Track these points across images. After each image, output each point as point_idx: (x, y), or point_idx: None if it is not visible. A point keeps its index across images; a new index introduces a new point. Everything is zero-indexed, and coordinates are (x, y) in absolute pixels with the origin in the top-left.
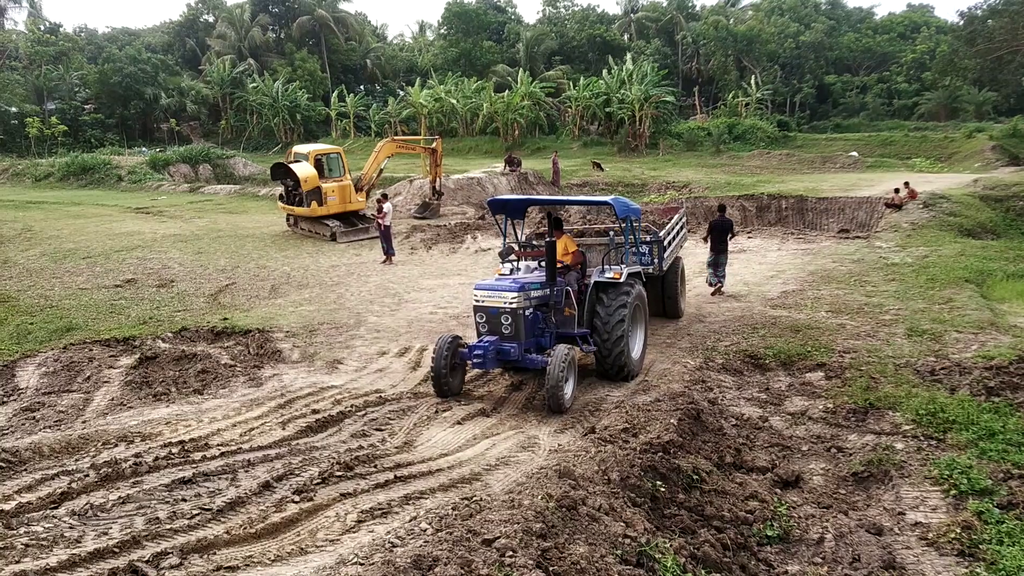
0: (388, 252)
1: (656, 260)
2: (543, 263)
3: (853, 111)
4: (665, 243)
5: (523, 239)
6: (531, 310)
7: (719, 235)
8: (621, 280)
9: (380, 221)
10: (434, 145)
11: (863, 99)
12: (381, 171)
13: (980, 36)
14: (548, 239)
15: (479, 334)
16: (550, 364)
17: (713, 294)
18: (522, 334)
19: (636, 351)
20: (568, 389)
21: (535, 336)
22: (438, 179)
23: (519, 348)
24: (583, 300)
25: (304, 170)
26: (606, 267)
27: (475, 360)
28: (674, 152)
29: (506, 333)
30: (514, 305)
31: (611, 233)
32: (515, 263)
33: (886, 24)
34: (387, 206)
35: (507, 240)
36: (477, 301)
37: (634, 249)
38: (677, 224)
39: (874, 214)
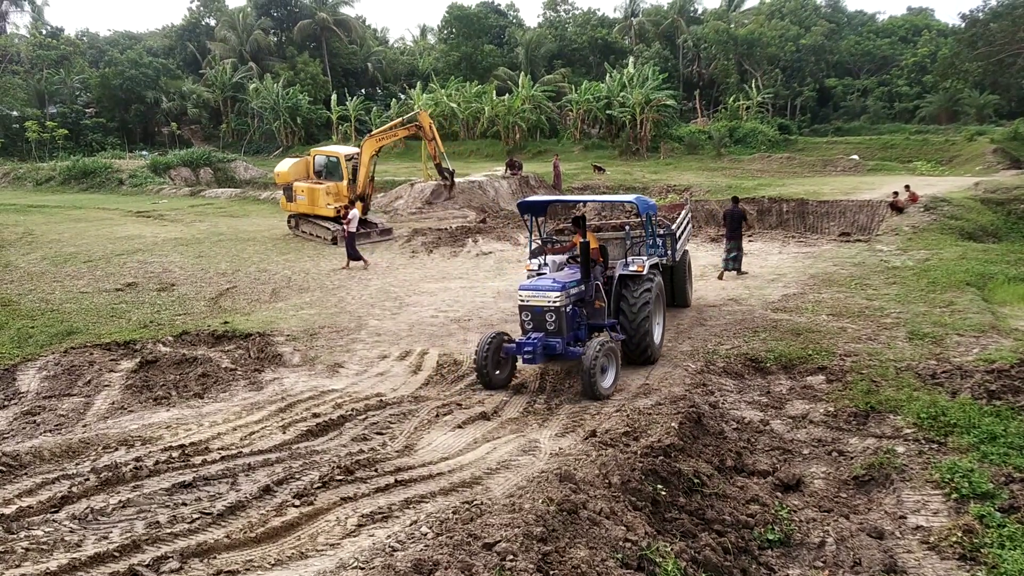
0: (351, 257)
1: (669, 252)
2: (570, 258)
3: (854, 114)
4: (677, 235)
5: (544, 236)
6: (570, 306)
7: (732, 223)
8: (644, 272)
9: (345, 227)
10: (418, 120)
11: (864, 102)
12: (373, 177)
13: (981, 39)
14: (582, 240)
15: (524, 331)
16: (585, 353)
17: (719, 277)
18: (564, 329)
19: (657, 336)
20: (606, 378)
21: (573, 330)
22: (441, 156)
23: (563, 342)
24: (608, 291)
25: (281, 166)
26: (629, 260)
27: (526, 356)
28: (675, 155)
29: (551, 329)
30: (558, 303)
31: (627, 228)
32: (542, 259)
33: (887, 27)
34: (352, 213)
35: (532, 238)
36: (522, 301)
37: (651, 242)
38: (685, 219)
39: (875, 217)
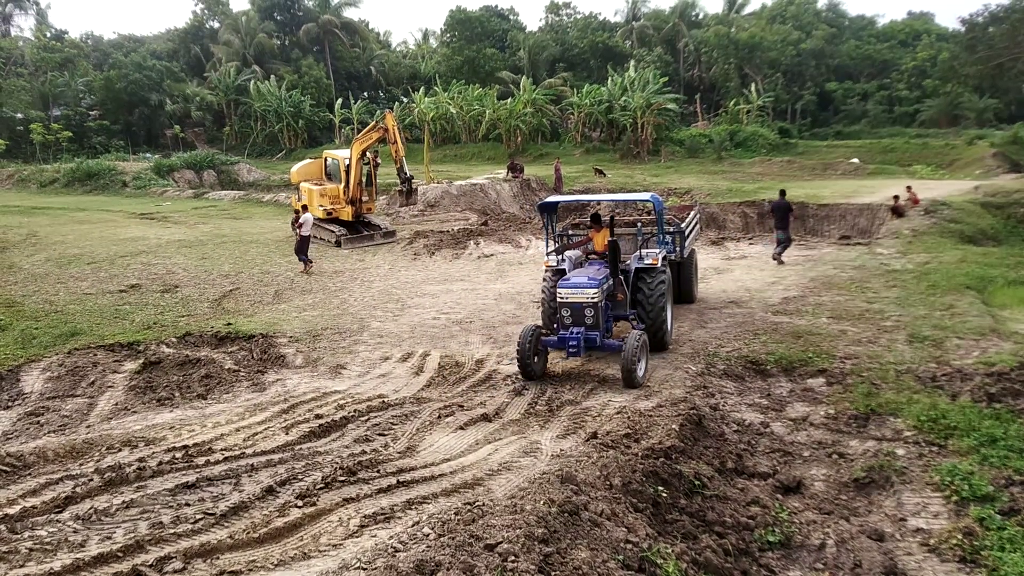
0: (302, 261)
1: (677, 248)
2: (589, 254)
3: (854, 118)
4: (685, 233)
5: (560, 231)
6: (604, 301)
7: (780, 213)
8: (659, 265)
9: (297, 231)
10: (385, 123)
11: (864, 106)
12: (373, 180)
13: (981, 43)
14: (611, 239)
15: (564, 326)
16: (625, 346)
17: (774, 258)
18: (601, 323)
19: (669, 324)
20: (641, 368)
21: (606, 322)
22: (401, 160)
23: (601, 335)
24: (622, 284)
25: (296, 166)
26: (643, 254)
27: (571, 349)
28: (676, 159)
29: (589, 323)
30: (596, 299)
31: (639, 224)
32: (559, 255)
33: (887, 32)
34: (304, 217)
35: (549, 235)
36: (562, 298)
37: (661, 237)
38: (694, 219)
39: (875, 221)
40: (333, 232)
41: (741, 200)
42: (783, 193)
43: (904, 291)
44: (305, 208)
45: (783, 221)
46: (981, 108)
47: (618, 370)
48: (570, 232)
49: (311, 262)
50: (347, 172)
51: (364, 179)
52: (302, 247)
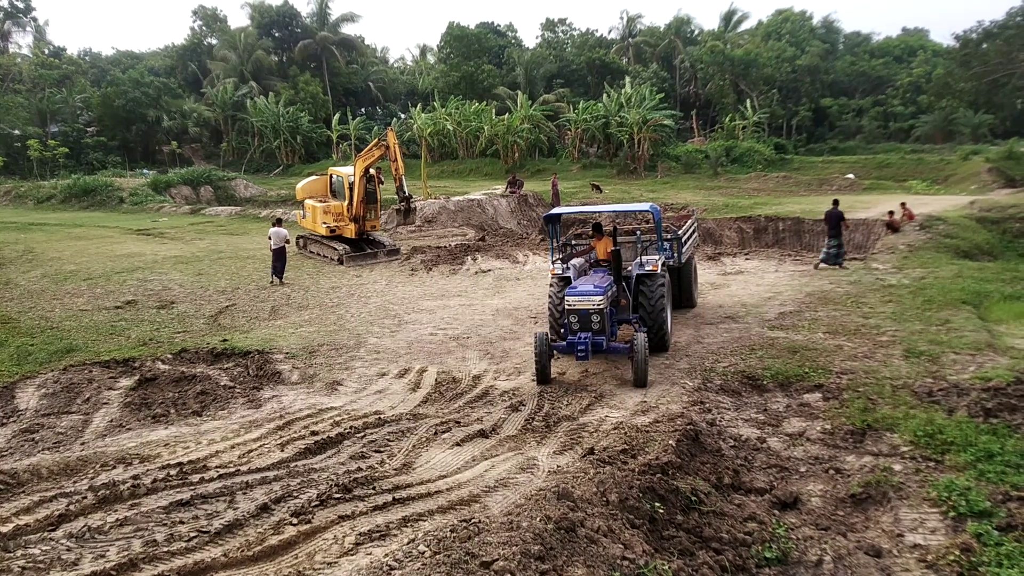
0: (276, 276)
1: (675, 254)
2: (594, 262)
3: (849, 134)
4: (683, 239)
5: (563, 240)
6: (609, 307)
7: (833, 222)
8: (659, 271)
9: (271, 247)
10: (386, 140)
11: (859, 122)
12: (376, 197)
13: (975, 59)
14: (614, 248)
15: (572, 332)
16: (636, 348)
17: (817, 266)
18: (607, 328)
19: (669, 326)
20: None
21: (611, 327)
22: (402, 179)
23: (607, 339)
24: (624, 290)
25: (302, 183)
26: (644, 260)
27: (579, 353)
28: (672, 174)
29: (596, 329)
30: (602, 306)
31: (638, 232)
32: (564, 263)
33: (882, 48)
34: (271, 231)
35: (554, 245)
36: (570, 305)
37: (659, 244)
38: (691, 227)
39: (871, 236)
40: (336, 250)
41: (737, 216)
42: (836, 203)
43: (900, 306)
44: (280, 222)
45: (835, 229)
46: (976, 124)
47: (615, 385)
48: (573, 242)
49: (279, 277)
50: (351, 189)
51: (367, 196)
52: (279, 262)
